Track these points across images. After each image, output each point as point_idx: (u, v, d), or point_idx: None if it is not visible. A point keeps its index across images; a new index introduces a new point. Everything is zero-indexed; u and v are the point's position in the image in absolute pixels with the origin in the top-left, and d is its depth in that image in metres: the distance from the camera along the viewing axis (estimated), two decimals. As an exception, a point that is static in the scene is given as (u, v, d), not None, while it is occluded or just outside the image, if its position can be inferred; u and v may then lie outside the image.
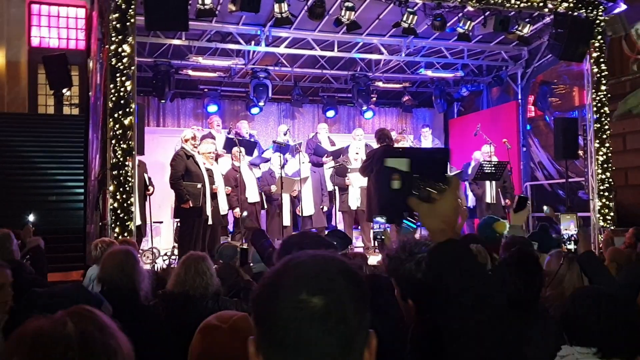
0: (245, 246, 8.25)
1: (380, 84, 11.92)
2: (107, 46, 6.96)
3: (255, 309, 0.92)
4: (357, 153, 9.26)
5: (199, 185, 7.50)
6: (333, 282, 0.89)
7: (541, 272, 2.58)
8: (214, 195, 7.83)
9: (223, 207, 8.18)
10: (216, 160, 8.60)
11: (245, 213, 8.37)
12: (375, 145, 10.21)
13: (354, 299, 0.89)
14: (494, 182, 9.06)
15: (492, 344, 1.09)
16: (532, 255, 2.65)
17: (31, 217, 5.17)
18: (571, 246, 4.30)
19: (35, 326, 1.00)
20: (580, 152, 9.13)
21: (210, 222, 7.66)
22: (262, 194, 8.83)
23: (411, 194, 1.13)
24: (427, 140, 11.21)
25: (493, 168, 8.75)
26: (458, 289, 1.11)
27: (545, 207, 8.19)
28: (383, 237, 3.62)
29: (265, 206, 8.95)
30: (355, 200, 8.97)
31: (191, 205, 7.36)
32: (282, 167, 8.42)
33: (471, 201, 9.82)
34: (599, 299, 1.93)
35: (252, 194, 8.55)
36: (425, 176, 1.13)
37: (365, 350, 0.92)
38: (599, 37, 8.97)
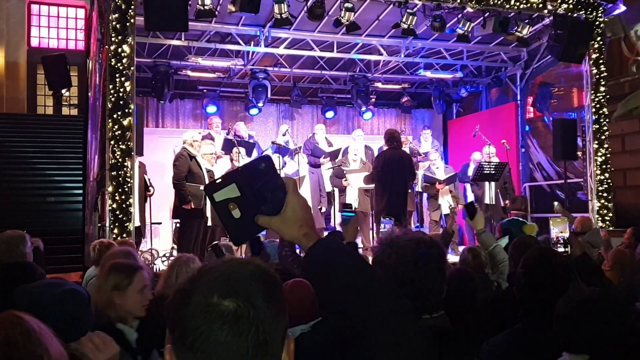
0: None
1: (379, 84, 11.93)
2: (106, 46, 6.96)
3: (168, 315, 0.90)
4: (355, 154, 9.25)
5: (201, 187, 7.49)
6: (246, 284, 0.88)
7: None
8: (213, 196, 7.82)
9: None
10: (215, 161, 8.59)
11: None
12: (374, 145, 10.25)
13: (268, 302, 0.88)
14: (493, 183, 9.07)
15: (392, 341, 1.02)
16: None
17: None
18: (561, 249, 4.31)
19: None
20: (579, 153, 9.14)
21: (210, 223, 7.64)
22: None
23: (255, 215, 1.08)
24: (427, 141, 11.22)
25: (492, 169, 8.76)
26: (346, 285, 1.04)
27: (555, 203, 8.19)
28: None
29: None
30: (352, 201, 8.96)
31: (193, 206, 7.35)
32: (282, 168, 8.41)
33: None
34: (589, 303, 1.86)
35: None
36: (261, 191, 1.08)
37: (283, 355, 0.91)
38: (598, 38, 8.98)
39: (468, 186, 10.05)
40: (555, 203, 8.12)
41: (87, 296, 1.99)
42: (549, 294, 2.19)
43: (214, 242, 7.91)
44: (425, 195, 10.09)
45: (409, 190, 9.52)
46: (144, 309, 2.47)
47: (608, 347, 1.77)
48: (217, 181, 1.08)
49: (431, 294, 1.62)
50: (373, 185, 8.09)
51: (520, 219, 5.25)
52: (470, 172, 9.69)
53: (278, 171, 1.12)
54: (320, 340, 2.06)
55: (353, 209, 2.92)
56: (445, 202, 9.49)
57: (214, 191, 1.07)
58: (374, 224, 9.08)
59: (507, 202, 9.26)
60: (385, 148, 7.92)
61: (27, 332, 1.04)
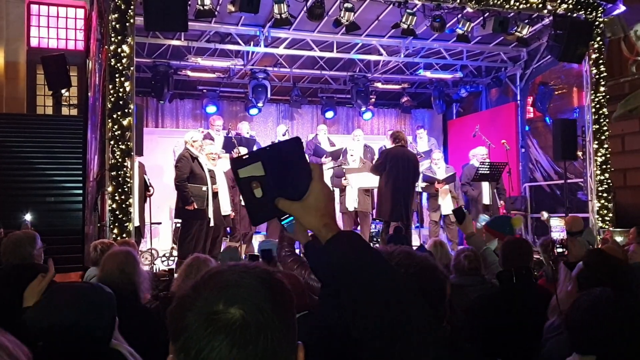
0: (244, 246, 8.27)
1: (379, 84, 11.93)
2: (106, 47, 6.96)
3: (170, 324, 0.85)
4: (351, 155, 9.24)
5: (204, 188, 7.49)
6: (253, 291, 0.84)
7: None
8: (215, 196, 7.81)
9: (225, 208, 8.17)
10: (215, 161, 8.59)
11: None
12: (374, 145, 10.24)
13: (277, 309, 0.83)
14: (490, 183, 9.07)
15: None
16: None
17: (28, 217, 5.13)
18: (560, 249, 4.30)
19: None
20: (579, 153, 9.13)
21: (212, 223, 7.64)
22: None
23: (278, 195, 1.04)
24: (423, 140, 11.20)
25: (489, 169, 8.75)
26: (366, 284, 0.98)
27: (543, 213, 8.24)
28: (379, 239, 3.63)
29: None
30: (353, 201, 8.96)
31: (195, 207, 7.35)
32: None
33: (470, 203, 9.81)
34: (599, 304, 1.84)
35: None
36: (285, 173, 1.04)
37: None
38: (598, 38, 8.98)
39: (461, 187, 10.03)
40: (544, 213, 8.19)
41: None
42: None
43: (250, 254, 7.95)
44: (425, 195, 10.08)
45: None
46: None
47: (616, 348, 1.76)
48: (244, 157, 1.05)
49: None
50: (374, 185, 8.06)
51: (505, 216, 5.28)
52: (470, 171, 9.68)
53: (305, 156, 1.07)
54: (306, 331, 2.06)
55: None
56: (446, 202, 9.49)
57: (239, 167, 1.04)
58: (361, 225, 9.09)
59: (501, 202, 9.24)
60: (392, 146, 7.85)
61: None
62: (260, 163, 1.04)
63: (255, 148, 9.42)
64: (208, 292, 0.84)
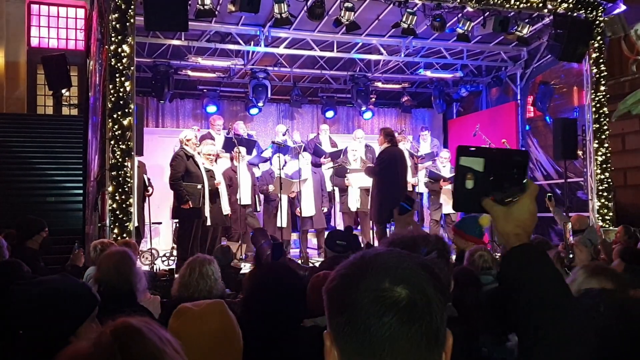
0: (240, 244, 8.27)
1: (379, 84, 11.92)
2: (106, 46, 6.96)
3: (332, 300, 0.88)
4: (354, 154, 9.25)
5: (199, 186, 7.48)
6: (415, 273, 0.87)
7: None
8: (215, 196, 7.81)
9: (225, 208, 8.17)
10: (215, 160, 8.59)
11: (248, 210, 8.50)
12: (375, 145, 10.23)
13: (437, 291, 0.86)
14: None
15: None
16: None
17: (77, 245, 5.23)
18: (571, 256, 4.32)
19: None
20: (580, 153, 9.13)
21: (209, 222, 7.63)
22: (257, 195, 8.85)
23: (485, 195, 1.11)
24: (426, 142, 11.20)
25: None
26: (535, 297, 1.04)
27: (548, 194, 8.19)
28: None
29: (258, 208, 8.97)
30: (354, 201, 8.96)
31: (191, 205, 7.35)
32: (282, 168, 8.41)
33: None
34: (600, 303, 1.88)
35: (245, 196, 8.53)
36: (501, 178, 1.10)
37: (442, 351, 0.88)
38: (598, 37, 8.98)
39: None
40: (549, 194, 8.15)
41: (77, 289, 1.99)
42: None
43: (257, 227, 8.03)
44: (426, 194, 10.08)
45: (411, 190, 9.54)
46: None
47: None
48: (471, 149, 1.10)
49: None
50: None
51: (473, 215, 4.71)
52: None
53: (527, 170, 1.13)
54: None
55: (413, 205, 2.89)
56: (448, 201, 9.50)
57: (463, 154, 1.10)
58: (361, 225, 9.10)
59: None
60: (386, 146, 7.87)
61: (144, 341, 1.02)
62: (484, 160, 1.10)
63: (255, 147, 9.47)
64: (372, 270, 0.87)
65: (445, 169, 9.56)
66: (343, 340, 0.85)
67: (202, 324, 1.70)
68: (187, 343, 2.11)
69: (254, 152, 9.46)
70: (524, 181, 1.11)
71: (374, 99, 12.11)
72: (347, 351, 0.85)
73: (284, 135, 10.00)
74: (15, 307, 1.94)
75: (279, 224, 8.55)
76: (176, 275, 3.58)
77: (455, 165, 1.11)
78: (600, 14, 8.90)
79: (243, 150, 8.90)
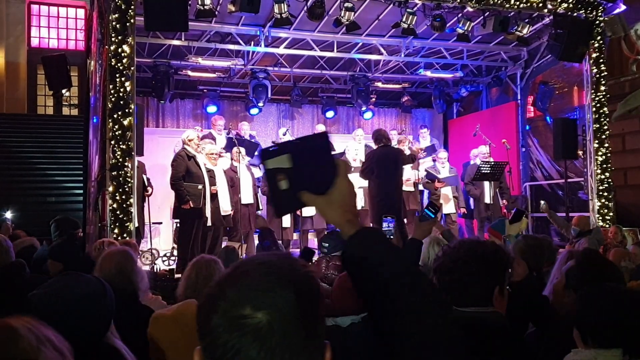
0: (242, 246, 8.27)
1: (379, 84, 11.92)
2: (106, 47, 6.96)
3: (198, 321, 0.85)
4: (355, 154, 9.26)
5: (200, 186, 7.48)
6: (280, 294, 0.82)
7: None
8: (214, 196, 7.81)
9: (225, 208, 8.17)
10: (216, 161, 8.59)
11: (258, 212, 8.61)
12: (374, 146, 10.24)
13: (303, 311, 0.83)
14: (492, 183, 9.08)
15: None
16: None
17: (8, 215, 5.08)
18: None
19: None
20: (580, 153, 9.13)
21: (209, 223, 7.62)
22: (257, 195, 8.86)
23: (303, 188, 1.05)
24: (426, 140, 11.21)
25: (490, 168, 8.76)
26: (385, 280, 0.98)
27: (542, 202, 8.25)
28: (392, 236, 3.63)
29: (261, 207, 8.97)
30: (358, 200, 8.98)
31: (191, 206, 7.34)
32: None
33: (473, 202, 9.82)
34: (619, 296, 1.85)
35: (247, 195, 8.53)
36: (312, 166, 1.06)
37: None
38: (599, 37, 8.98)
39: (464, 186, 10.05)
40: (542, 202, 8.20)
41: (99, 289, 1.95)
42: None
43: (264, 227, 8.06)
44: (427, 194, 10.08)
45: (412, 189, 9.55)
46: None
47: None
48: (271, 149, 1.06)
49: (472, 288, 1.64)
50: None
51: (502, 218, 5.81)
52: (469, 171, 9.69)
53: (332, 151, 1.09)
54: (368, 332, 2.10)
55: (436, 212, 2.84)
56: (447, 200, 9.51)
57: (267, 157, 1.06)
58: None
59: (504, 201, 9.25)
60: (375, 147, 8.02)
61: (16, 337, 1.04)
62: (288, 155, 1.05)
63: (256, 150, 9.48)
64: (233, 291, 0.83)
65: (444, 170, 9.58)
66: None
67: (177, 327, 1.70)
68: (167, 347, 2.12)
69: (255, 153, 9.47)
70: (335, 162, 1.07)
71: (374, 99, 12.11)
72: None
73: (284, 135, 10.00)
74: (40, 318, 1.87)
75: (283, 224, 8.63)
76: (177, 276, 3.56)
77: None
78: (600, 14, 8.90)
79: (243, 150, 8.90)
